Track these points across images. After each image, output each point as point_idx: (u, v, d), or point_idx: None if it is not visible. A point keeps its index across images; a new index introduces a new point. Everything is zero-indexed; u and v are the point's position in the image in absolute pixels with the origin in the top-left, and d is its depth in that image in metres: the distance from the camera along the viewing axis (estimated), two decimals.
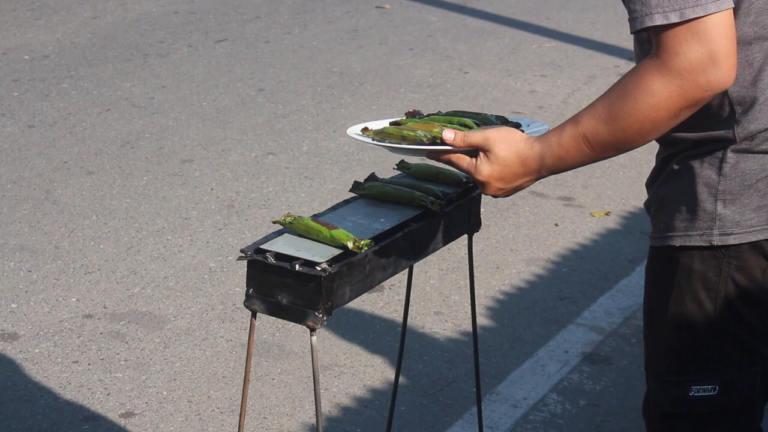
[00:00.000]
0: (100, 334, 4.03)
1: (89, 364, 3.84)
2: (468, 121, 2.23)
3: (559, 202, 5.29)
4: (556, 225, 5.05)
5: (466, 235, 2.56)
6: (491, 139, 2.00)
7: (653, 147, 2.16)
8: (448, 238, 2.47)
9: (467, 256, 2.66)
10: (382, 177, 2.52)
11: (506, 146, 1.99)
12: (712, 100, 1.94)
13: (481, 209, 2.59)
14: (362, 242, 2.15)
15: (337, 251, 2.14)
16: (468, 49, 7.67)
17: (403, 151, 2.20)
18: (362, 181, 2.48)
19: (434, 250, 2.43)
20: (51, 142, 5.81)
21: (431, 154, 2.10)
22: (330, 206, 2.42)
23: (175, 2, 8.62)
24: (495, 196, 2.05)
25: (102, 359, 3.88)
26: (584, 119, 1.93)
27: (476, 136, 2.01)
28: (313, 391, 3.70)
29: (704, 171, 2.03)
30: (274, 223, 2.29)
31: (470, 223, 2.54)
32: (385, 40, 7.85)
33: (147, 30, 7.91)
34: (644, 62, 1.87)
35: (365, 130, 2.26)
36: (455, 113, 2.33)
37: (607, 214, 5.16)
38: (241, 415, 2.25)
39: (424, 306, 4.28)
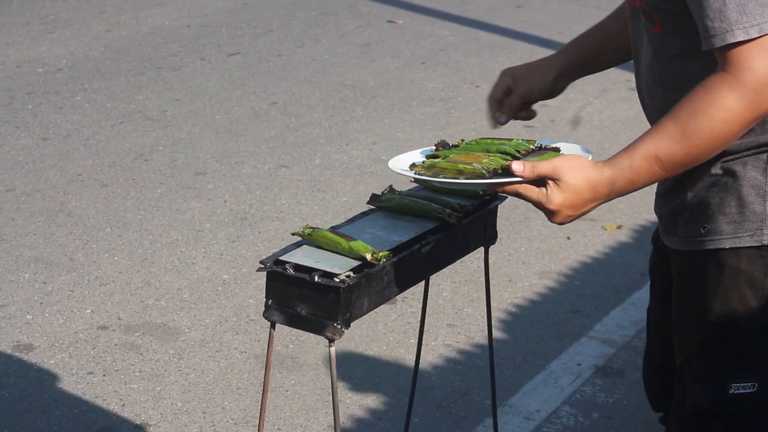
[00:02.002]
0: (115, 345, 4.05)
1: (104, 376, 3.86)
2: (509, 149, 2.20)
3: None
4: (568, 238, 5.07)
5: (479, 248, 2.58)
6: (560, 168, 1.99)
7: None
8: (465, 251, 2.49)
9: (480, 268, 2.69)
10: (398, 189, 2.54)
11: (576, 173, 1.98)
12: None
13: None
14: (380, 254, 2.17)
15: (355, 263, 2.16)
16: (479, 63, 7.70)
17: (463, 185, 2.16)
18: (379, 193, 2.49)
19: (451, 263, 2.45)
20: (65, 154, 5.85)
21: (494, 187, 2.06)
22: (346, 218, 2.44)
23: (187, 16, 8.66)
24: (563, 223, 2.04)
25: (117, 370, 3.90)
26: (655, 140, 1.95)
27: (545, 166, 1.99)
28: (326, 403, 3.71)
29: (749, 173, 2.07)
30: (293, 234, 2.31)
31: (486, 236, 2.56)
32: (397, 53, 7.88)
33: (160, 43, 7.95)
34: (713, 79, 1.91)
35: (413, 166, 2.21)
36: (484, 141, 2.28)
37: (619, 227, 5.17)
38: (260, 425, 2.27)
39: (437, 318, 4.29)
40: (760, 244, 2.07)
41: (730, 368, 2.13)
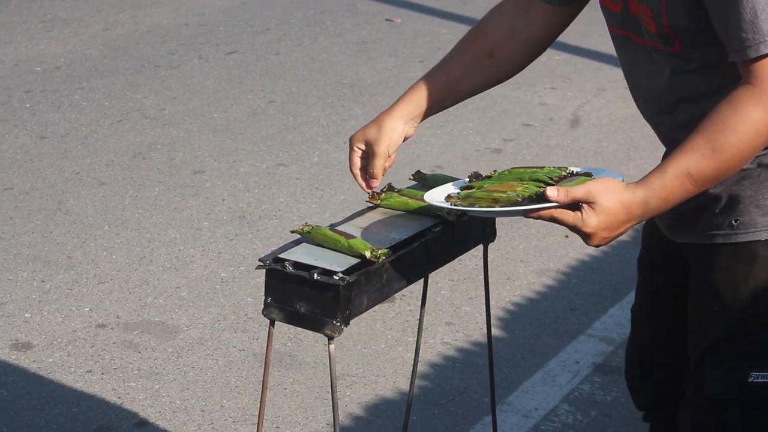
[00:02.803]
0: (113, 343, 4.05)
1: (102, 374, 3.86)
2: (541, 176, 2.19)
3: None
4: (566, 236, 5.07)
5: (477, 246, 2.58)
6: (594, 191, 2.00)
7: (659, 154, 2.17)
8: (464, 249, 2.50)
9: (478, 266, 2.70)
10: (397, 187, 2.54)
11: (610, 196, 1.99)
12: None
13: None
14: (380, 252, 2.17)
15: (354, 260, 2.16)
16: None
17: (499, 213, 2.16)
18: (378, 191, 2.50)
19: (450, 260, 2.46)
20: (63, 153, 5.84)
21: (530, 213, 2.07)
22: (345, 216, 2.44)
23: (185, 14, 8.66)
24: (599, 245, 2.05)
25: (115, 369, 3.90)
26: (685, 158, 1.97)
27: (579, 191, 2.00)
28: (325, 401, 3.72)
29: None
30: (293, 232, 2.31)
31: (485, 234, 2.56)
32: (395, 52, 7.88)
33: (158, 42, 7.94)
34: (739, 92, 1.94)
35: (449, 197, 2.22)
36: (516, 170, 2.27)
37: None
38: (259, 423, 2.27)
39: (435, 316, 4.30)
40: None
41: (751, 357, 2.18)
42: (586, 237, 2.03)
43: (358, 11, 8.91)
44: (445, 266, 2.51)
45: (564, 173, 2.22)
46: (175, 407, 3.69)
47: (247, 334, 4.14)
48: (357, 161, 2.46)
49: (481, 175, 2.32)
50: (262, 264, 2.18)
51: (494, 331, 4.20)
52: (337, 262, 2.15)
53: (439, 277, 4.51)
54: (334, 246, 2.21)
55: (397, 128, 2.42)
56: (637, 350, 2.58)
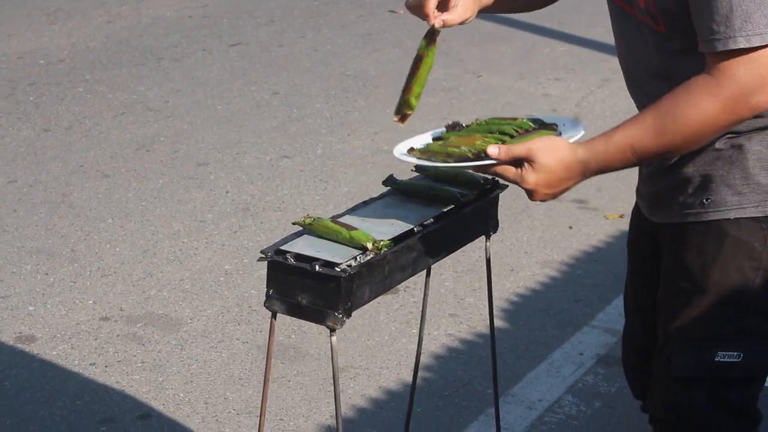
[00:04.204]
0: (117, 336, 4.06)
1: (106, 367, 3.86)
2: (508, 128, 2.28)
3: (573, 205, 5.30)
4: (570, 227, 5.06)
5: (480, 238, 2.57)
6: (534, 149, 2.07)
7: None
8: (466, 240, 2.49)
9: (482, 257, 2.69)
10: (400, 179, 2.54)
11: (549, 154, 2.07)
12: None
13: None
14: (381, 243, 2.17)
15: (356, 252, 2.16)
16: (481, 53, 7.68)
17: (450, 168, 2.25)
18: (381, 183, 2.50)
19: (452, 251, 2.45)
20: (67, 145, 5.84)
21: (478, 168, 2.16)
22: (348, 208, 2.44)
23: (189, 6, 8.65)
24: (543, 200, 2.12)
25: (119, 361, 3.90)
26: (632, 130, 2.03)
27: (519, 148, 2.09)
28: (329, 393, 3.71)
29: (755, 147, 2.14)
30: (294, 224, 2.31)
31: (488, 225, 2.56)
32: (399, 43, 7.87)
33: (161, 34, 7.94)
34: (697, 81, 1.98)
35: (411, 150, 2.30)
36: (492, 121, 2.37)
37: (621, 216, 5.17)
38: (261, 415, 2.27)
39: (439, 308, 4.29)
40: (763, 215, 2.14)
41: (717, 336, 2.19)
42: (528, 193, 2.11)
43: (362, 3, 8.90)
44: (448, 257, 2.51)
45: (533, 125, 2.30)
46: (179, 399, 3.69)
47: (250, 326, 4.14)
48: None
49: (461, 125, 2.40)
50: (263, 256, 2.18)
51: (498, 323, 4.20)
52: (339, 254, 2.14)
53: (442, 268, 4.51)
54: (335, 238, 2.21)
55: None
56: (630, 339, 2.59)
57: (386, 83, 6.95)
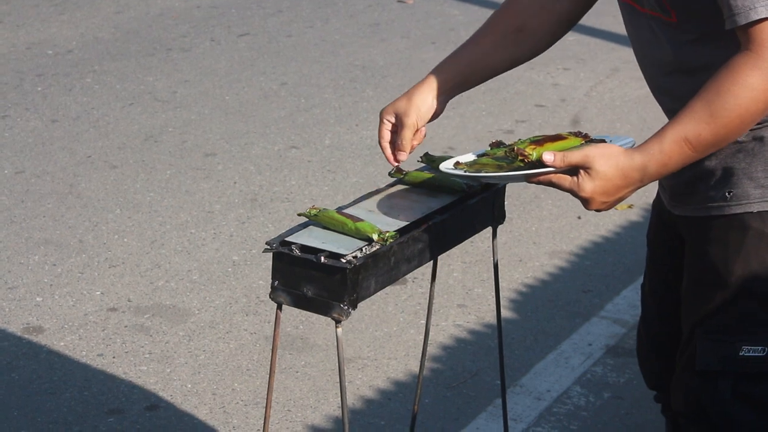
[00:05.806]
0: (125, 327, 4.05)
1: (114, 358, 3.86)
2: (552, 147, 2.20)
3: None
4: (579, 218, 5.05)
5: (489, 228, 2.56)
6: (590, 156, 2.02)
7: None
8: (473, 231, 2.48)
9: (490, 248, 2.67)
10: (406, 170, 2.53)
11: (606, 161, 2.02)
12: None
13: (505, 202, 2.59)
14: (387, 234, 2.16)
15: (362, 243, 2.15)
16: None
17: (502, 178, 2.21)
18: (388, 174, 2.49)
19: (459, 243, 2.44)
20: (74, 136, 5.84)
21: (531, 178, 2.10)
22: (354, 198, 2.43)
23: None
24: (599, 210, 2.08)
25: (126, 352, 3.89)
26: (683, 123, 1.99)
27: (575, 155, 2.03)
28: (336, 384, 3.71)
29: None
30: (300, 215, 2.30)
31: (495, 216, 2.55)
32: (408, 33, 7.85)
33: (170, 25, 7.93)
34: (737, 59, 1.94)
35: (457, 164, 2.28)
36: (536, 138, 2.29)
37: (630, 206, 5.15)
38: (267, 407, 2.26)
39: (447, 299, 4.28)
40: None
41: (742, 330, 2.18)
42: (584, 202, 2.06)
43: None
44: (456, 248, 2.50)
45: (582, 142, 2.23)
46: (187, 390, 3.69)
47: (258, 317, 4.13)
48: (386, 134, 2.44)
49: (502, 143, 2.35)
50: (269, 247, 2.17)
51: (507, 314, 4.19)
52: (345, 245, 2.13)
53: (451, 259, 4.50)
54: (341, 229, 2.20)
55: (427, 100, 2.40)
56: (646, 329, 2.58)
57: (394, 73, 6.93)
